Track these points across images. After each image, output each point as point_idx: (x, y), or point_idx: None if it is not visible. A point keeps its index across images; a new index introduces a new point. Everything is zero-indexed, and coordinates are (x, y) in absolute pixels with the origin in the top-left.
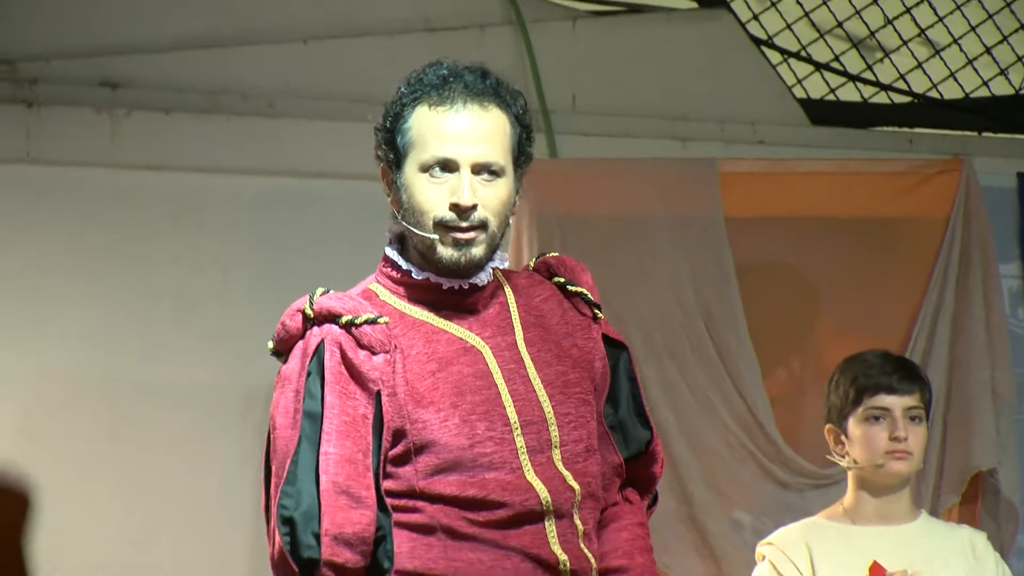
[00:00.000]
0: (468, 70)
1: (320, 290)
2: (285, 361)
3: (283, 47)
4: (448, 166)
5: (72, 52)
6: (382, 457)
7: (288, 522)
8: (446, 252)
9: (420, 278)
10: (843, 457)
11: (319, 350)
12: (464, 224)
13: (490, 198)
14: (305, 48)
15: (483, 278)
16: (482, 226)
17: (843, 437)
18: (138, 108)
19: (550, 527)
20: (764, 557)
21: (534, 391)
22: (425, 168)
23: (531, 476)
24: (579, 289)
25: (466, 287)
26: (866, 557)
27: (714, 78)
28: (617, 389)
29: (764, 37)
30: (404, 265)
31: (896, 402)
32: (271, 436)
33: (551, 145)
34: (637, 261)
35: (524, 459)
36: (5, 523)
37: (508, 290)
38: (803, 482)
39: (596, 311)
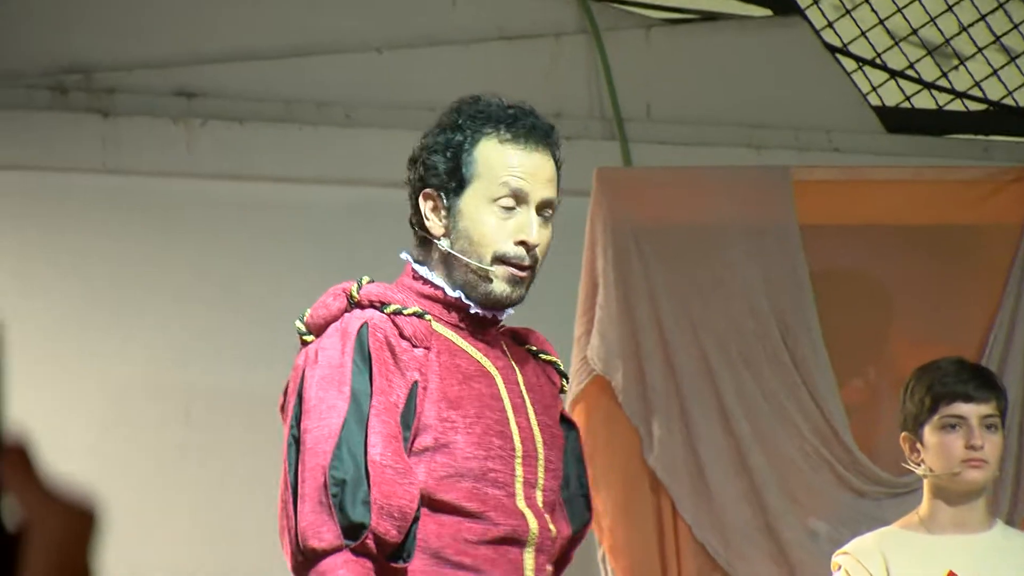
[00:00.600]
0: (526, 112)
1: (366, 278)
2: (316, 339)
3: (358, 56)
4: (520, 200)
5: (148, 62)
6: (408, 447)
7: (340, 484)
8: (499, 287)
9: (453, 296)
10: (919, 465)
11: (362, 332)
12: (526, 263)
13: (544, 240)
14: (380, 57)
15: (506, 314)
16: (533, 266)
17: (919, 445)
18: (214, 118)
19: (528, 559)
20: (840, 567)
21: (532, 429)
22: (494, 199)
23: (522, 504)
24: (552, 358)
25: (490, 317)
26: (942, 566)
27: (788, 86)
28: (567, 466)
29: (839, 45)
30: (438, 282)
31: (972, 410)
32: (305, 409)
33: (625, 154)
34: (711, 270)
35: (519, 488)
36: (78, 535)
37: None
38: (879, 491)
39: (564, 382)
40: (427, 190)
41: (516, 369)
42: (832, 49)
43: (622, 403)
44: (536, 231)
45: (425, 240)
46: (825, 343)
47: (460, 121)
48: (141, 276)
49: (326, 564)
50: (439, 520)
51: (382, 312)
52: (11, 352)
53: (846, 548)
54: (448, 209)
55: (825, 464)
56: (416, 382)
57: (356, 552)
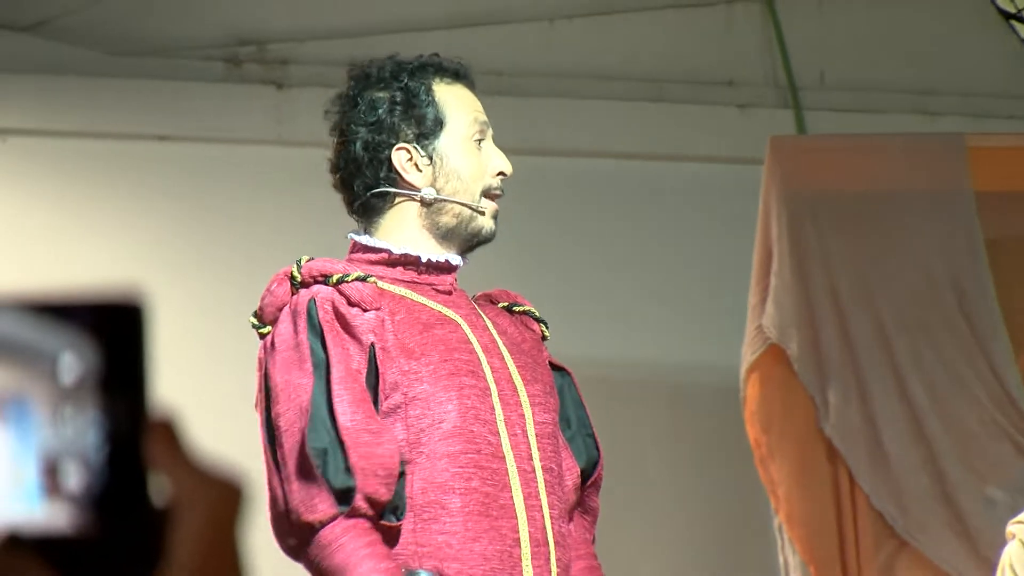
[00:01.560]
0: (442, 57)
1: (305, 257)
2: (271, 329)
3: (529, 26)
4: (484, 134)
5: (321, 33)
6: (379, 410)
7: (322, 454)
8: (487, 222)
9: (399, 253)
10: None
11: (310, 307)
12: (500, 193)
13: None
14: (551, 27)
15: (461, 261)
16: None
17: None
18: None
19: (519, 502)
20: (1014, 536)
21: (507, 368)
22: (467, 138)
23: (506, 445)
24: (525, 308)
25: (443, 262)
26: None
27: (963, 52)
28: (567, 409)
29: (1012, 11)
30: (381, 244)
31: None
32: (273, 396)
33: (799, 121)
34: (886, 237)
35: (501, 427)
36: (227, 512)
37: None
38: None
39: (544, 328)
40: (400, 145)
41: (483, 316)
42: (1006, 15)
43: (797, 371)
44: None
45: (369, 210)
46: (1001, 310)
47: (397, 74)
48: (314, 248)
49: (325, 535)
50: (428, 471)
51: (326, 284)
52: (194, 322)
53: (1020, 517)
54: (429, 156)
55: (1003, 433)
56: (373, 343)
57: (351, 516)
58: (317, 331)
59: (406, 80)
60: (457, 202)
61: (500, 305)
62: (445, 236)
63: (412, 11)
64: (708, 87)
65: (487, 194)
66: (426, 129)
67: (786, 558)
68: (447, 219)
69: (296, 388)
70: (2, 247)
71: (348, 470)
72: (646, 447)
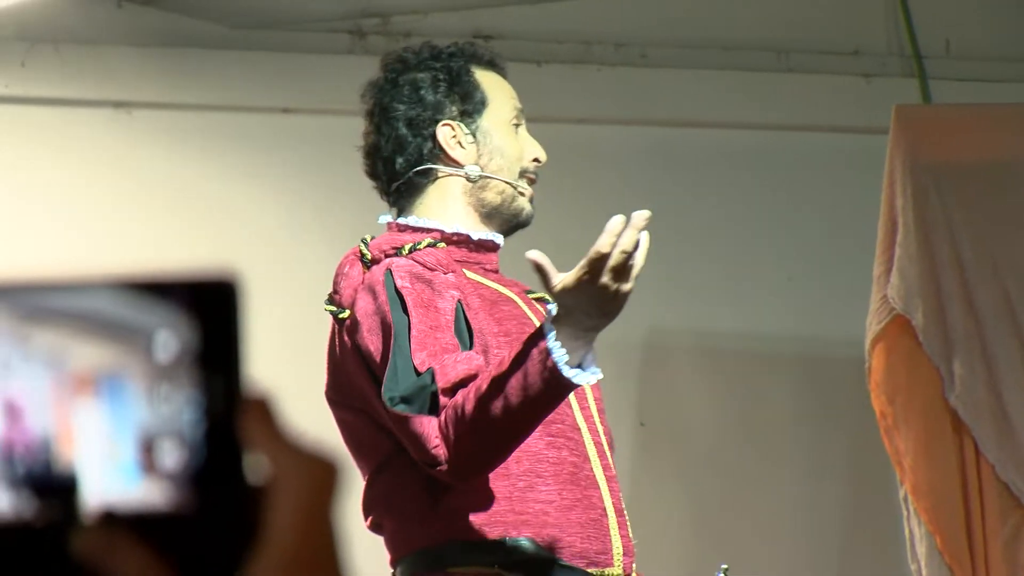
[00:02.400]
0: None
1: (368, 236)
2: (352, 310)
3: None
4: (519, 120)
5: (445, 5)
6: None
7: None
8: (527, 205)
9: (451, 232)
10: None
11: (387, 278)
12: (535, 177)
13: None
14: None
15: (501, 240)
16: None
17: None
18: (511, 60)
19: (599, 473)
20: None
21: None
22: (507, 121)
23: (579, 416)
24: (540, 294)
25: (490, 241)
26: None
27: None
28: None
29: None
30: (430, 224)
31: None
32: (372, 365)
33: (924, 91)
34: (1012, 208)
35: (572, 399)
36: (323, 490)
37: None
38: None
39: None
40: (445, 121)
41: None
42: None
43: (923, 342)
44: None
45: (410, 189)
46: None
47: (436, 55)
48: None
49: (452, 428)
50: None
51: (399, 255)
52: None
53: None
54: (472, 134)
55: None
56: (459, 300)
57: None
58: (399, 298)
59: (447, 61)
60: (501, 180)
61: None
62: (489, 215)
63: None
64: (833, 57)
65: (527, 176)
66: (470, 107)
67: (912, 528)
68: (491, 196)
69: (386, 355)
70: (129, 217)
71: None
72: (773, 419)
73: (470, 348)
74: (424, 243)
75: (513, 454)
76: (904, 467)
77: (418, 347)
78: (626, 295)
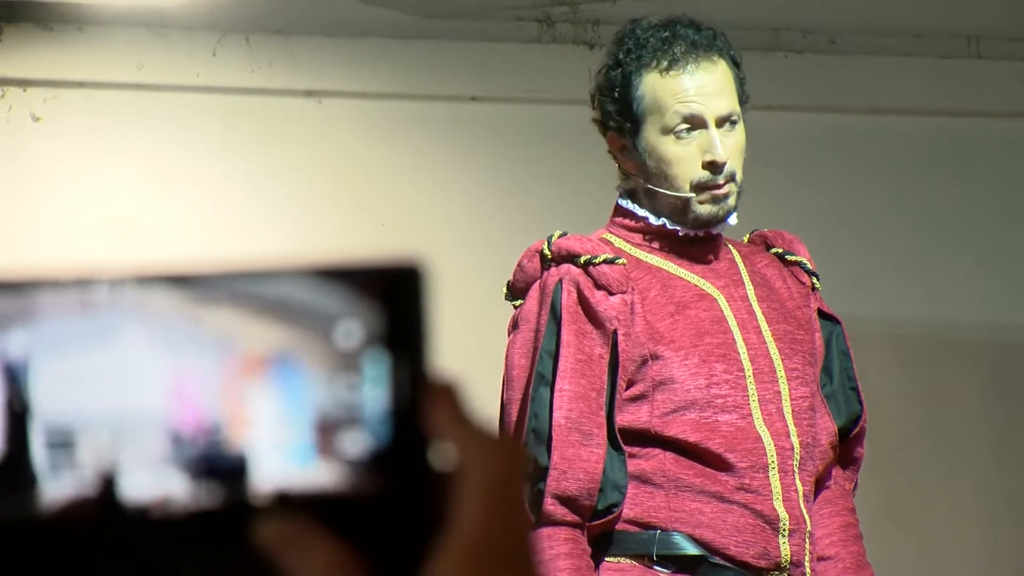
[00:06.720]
0: (684, 26)
1: (558, 232)
2: (522, 303)
3: None
4: (696, 123)
5: None
6: (617, 397)
7: (535, 432)
8: (704, 208)
9: (657, 224)
10: None
11: (556, 291)
12: (720, 180)
13: (734, 148)
14: None
15: (720, 227)
16: (732, 178)
17: None
18: None
19: (775, 482)
20: None
21: (765, 343)
22: (669, 131)
23: (760, 425)
24: (798, 258)
25: (701, 235)
26: None
27: None
28: (831, 360)
29: None
30: (640, 212)
31: None
32: (507, 376)
33: None
34: None
35: (755, 406)
36: (510, 476)
37: (733, 249)
38: None
39: (815, 280)
40: (610, 133)
41: (746, 282)
42: None
43: None
44: (721, 148)
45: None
46: None
47: (620, 56)
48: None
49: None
50: (672, 455)
51: (575, 265)
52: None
53: None
54: (635, 148)
55: None
56: (615, 331)
57: (543, 524)
58: (557, 317)
59: (619, 64)
60: (666, 192)
61: (773, 251)
62: (670, 217)
63: None
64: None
65: (699, 187)
66: (630, 122)
67: None
68: (662, 206)
69: (521, 378)
70: (318, 205)
71: (544, 469)
72: (965, 406)
73: (614, 380)
74: (601, 258)
75: (670, 456)
76: None
77: (562, 378)
78: None
